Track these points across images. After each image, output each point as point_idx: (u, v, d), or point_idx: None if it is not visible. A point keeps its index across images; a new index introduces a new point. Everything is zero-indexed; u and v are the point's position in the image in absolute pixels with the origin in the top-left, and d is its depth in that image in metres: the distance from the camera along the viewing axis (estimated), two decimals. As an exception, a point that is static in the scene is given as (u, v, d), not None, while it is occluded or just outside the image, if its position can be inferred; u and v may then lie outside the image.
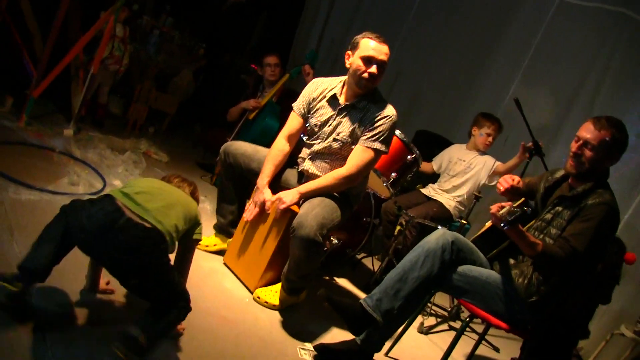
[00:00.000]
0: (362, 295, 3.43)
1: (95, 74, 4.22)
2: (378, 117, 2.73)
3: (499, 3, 5.18)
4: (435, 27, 5.66)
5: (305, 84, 3.32)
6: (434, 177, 4.33)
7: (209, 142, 4.98)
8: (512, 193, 2.76)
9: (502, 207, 2.23)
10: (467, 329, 3.64)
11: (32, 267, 1.78)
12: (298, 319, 2.80)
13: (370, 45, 2.68)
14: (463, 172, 4.06)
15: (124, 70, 4.78)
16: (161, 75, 5.33)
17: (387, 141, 2.77)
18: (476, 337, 2.95)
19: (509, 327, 2.50)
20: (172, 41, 5.34)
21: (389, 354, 2.84)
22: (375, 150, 2.73)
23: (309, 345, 2.57)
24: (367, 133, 2.73)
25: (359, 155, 2.74)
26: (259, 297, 2.75)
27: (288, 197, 2.69)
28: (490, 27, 5.21)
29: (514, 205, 2.25)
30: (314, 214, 2.56)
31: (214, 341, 2.29)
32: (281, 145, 2.89)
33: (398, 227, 3.72)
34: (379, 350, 2.60)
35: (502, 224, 2.18)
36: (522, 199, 2.71)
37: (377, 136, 2.72)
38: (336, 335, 2.80)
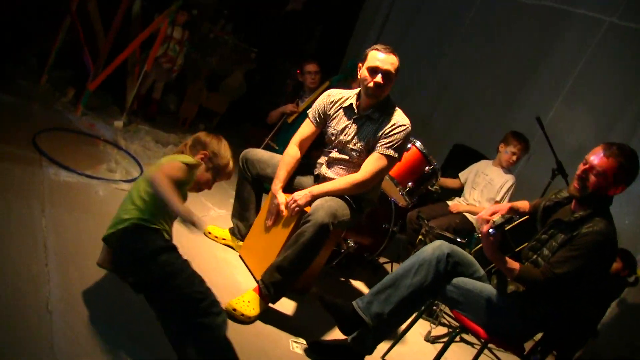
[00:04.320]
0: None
1: (149, 71, 4.54)
2: (394, 126, 2.85)
3: (547, 24, 5.14)
4: (482, 45, 5.69)
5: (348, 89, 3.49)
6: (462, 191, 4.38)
7: (251, 140, 5.19)
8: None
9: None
10: (474, 339, 3.67)
11: None
12: (297, 313, 2.93)
13: (376, 56, 2.81)
14: (484, 186, 4.11)
15: (178, 70, 5.09)
16: (213, 76, 5.61)
17: (400, 149, 2.87)
18: (478, 344, 2.98)
19: (500, 342, 2.53)
20: (226, 44, 5.61)
21: (385, 358, 2.91)
22: (389, 157, 2.84)
23: (301, 339, 2.69)
24: (382, 141, 2.85)
25: (373, 163, 2.85)
26: (234, 310, 2.57)
27: (301, 198, 2.82)
28: (536, 48, 5.19)
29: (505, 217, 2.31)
30: (328, 205, 2.71)
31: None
32: (293, 151, 3.04)
33: (420, 237, 3.79)
34: (370, 352, 2.68)
35: (489, 230, 2.26)
36: (520, 219, 2.74)
37: (391, 144, 2.84)
38: (331, 334, 2.89)
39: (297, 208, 2.82)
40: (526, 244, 2.67)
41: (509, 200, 3.98)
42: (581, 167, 2.43)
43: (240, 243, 3.28)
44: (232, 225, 3.34)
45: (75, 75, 4.66)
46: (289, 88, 4.99)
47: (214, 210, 3.73)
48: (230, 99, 5.71)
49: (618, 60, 4.59)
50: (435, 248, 2.60)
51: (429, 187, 3.84)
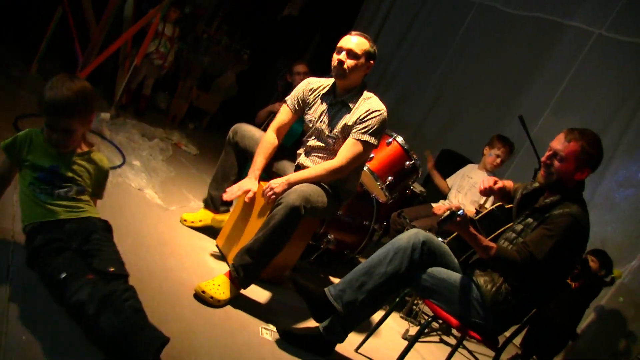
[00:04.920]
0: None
1: (138, 66, 4.56)
2: (368, 112, 2.84)
3: (538, 35, 5.23)
4: (475, 55, 5.82)
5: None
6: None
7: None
8: (490, 193, 2.79)
9: (448, 210, 2.29)
10: (455, 339, 3.61)
11: None
12: (270, 302, 2.90)
13: (343, 39, 2.88)
14: (468, 189, 4.13)
15: (169, 67, 5.10)
16: (206, 75, 5.63)
17: (376, 134, 2.86)
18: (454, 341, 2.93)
19: (463, 326, 2.49)
20: (219, 44, 5.64)
21: (359, 350, 2.87)
22: (364, 142, 2.83)
23: (272, 327, 2.65)
24: (357, 126, 2.84)
25: (349, 148, 2.84)
26: (203, 292, 2.53)
27: (278, 186, 2.79)
28: (527, 58, 5.30)
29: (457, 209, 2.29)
30: (301, 189, 2.69)
31: (174, 305, 2.41)
32: (271, 137, 3.03)
33: (402, 237, 3.76)
34: (341, 341, 2.64)
35: (438, 222, 2.23)
36: (499, 204, 2.72)
37: (366, 129, 2.83)
38: (303, 323, 2.85)
39: (273, 196, 2.80)
40: (501, 230, 2.65)
41: (493, 203, 3.96)
42: (546, 154, 2.46)
43: (217, 217, 3.25)
44: (206, 197, 3.30)
45: (65, 64, 4.66)
46: (278, 88, 4.99)
47: (194, 202, 3.70)
48: (221, 99, 5.72)
49: (605, 71, 4.65)
50: (410, 235, 2.58)
51: (414, 188, 3.82)
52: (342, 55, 2.83)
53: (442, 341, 3.56)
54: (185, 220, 3.26)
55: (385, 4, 6.75)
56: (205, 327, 2.39)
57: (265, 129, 4.56)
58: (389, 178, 3.43)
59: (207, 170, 4.49)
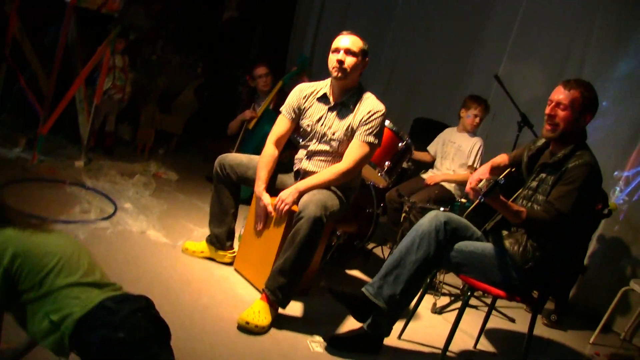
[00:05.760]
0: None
1: (99, 105, 4.42)
2: (370, 113, 2.85)
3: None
4: (422, 15, 5.83)
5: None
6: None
7: (216, 155, 5.11)
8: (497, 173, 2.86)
9: (480, 181, 2.32)
10: (480, 302, 3.73)
11: None
12: (306, 313, 2.92)
13: (338, 39, 2.87)
14: (454, 154, 4.20)
15: (128, 98, 4.97)
16: (164, 98, 5.51)
17: (379, 135, 2.90)
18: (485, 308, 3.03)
19: (509, 295, 2.58)
20: (170, 64, 5.52)
21: (402, 337, 2.93)
22: (370, 144, 2.85)
23: (318, 338, 2.67)
24: (362, 128, 2.84)
25: (356, 150, 2.85)
26: (247, 323, 2.53)
27: (288, 196, 2.79)
28: (475, 8, 5.30)
29: (491, 177, 2.32)
30: (316, 198, 2.70)
31: (227, 343, 2.42)
32: (271, 150, 3.01)
33: (403, 214, 3.81)
34: (387, 334, 2.70)
35: (479, 197, 2.26)
36: (507, 170, 2.79)
37: (371, 130, 2.84)
38: (345, 324, 2.89)
39: (285, 207, 2.80)
40: (517, 193, 2.72)
41: (481, 162, 4.05)
42: (547, 108, 2.53)
43: (220, 252, 3.21)
44: (210, 236, 3.24)
45: (26, 121, 4.49)
46: (242, 95, 4.93)
47: (197, 230, 3.65)
48: (184, 118, 5.62)
49: (552, 6, 4.74)
50: (431, 219, 2.63)
51: (404, 164, 3.86)
52: (341, 55, 2.81)
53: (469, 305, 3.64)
54: (187, 249, 3.23)
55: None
56: (263, 355, 2.41)
57: (241, 139, 4.61)
58: (387, 163, 3.46)
59: (193, 193, 4.43)
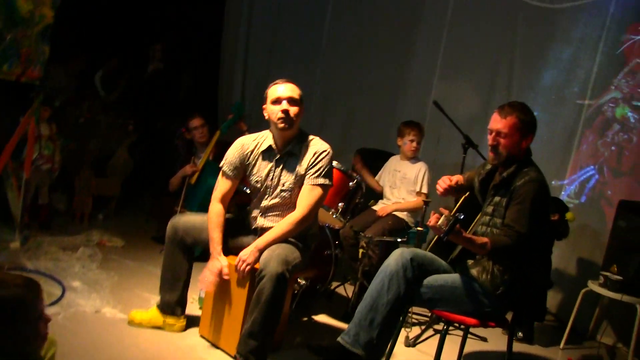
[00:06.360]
0: (342, 325, 3.47)
1: (29, 178, 4.20)
2: (316, 155, 2.84)
3: (403, 14, 5.43)
4: (349, 48, 5.91)
5: (240, 133, 3.38)
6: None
7: (160, 214, 4.96)
8: (455, 191, 2.88)
9: (439, 218, 2.32)
10: (452, 327, 3.74)
11: None
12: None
13: (275, 89, 2.85)
14: (401, 182, 4.23)
15: (59, 166, 4.74)
16: (97, 161, 5.32)
17: (329, 174, 2.88)
18: (461, 333, 3.03)
19: (483, 322, 2.60)
20: (100, 125, 5.35)
21: (382, 378, 2.88)
22: (321, 185, 2.83)
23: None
24: (310, 172, 2.82)
25: (308, 195, 2.82)
26: None
27: (249, 256, 2.72)
28: (401, 35, 5.43)
29: (450, 214, 2.33)
30: (277, 253, 2.64)
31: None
32: (218, 209, 2.94)
33: (361, 250, 3.80)
34: (369, 380, 2.65)
35: (442, 236, 2.28)
36: (463, 198, 2.83)
37: (319, 172, 2.82)
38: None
39: (248, 268, 2.72)
40: (475, 220, 2.76)
41: (428, 187, 4.10)
42: (489, 137, 2.60)
43: (170, 320, 3.04)
44: (160, 303, 3.07)
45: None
46: (180, 149, 4.82)
47: (154, 299, 3.46)
48: (121, 179, 5.43)
49: (474, 27, 4.93)
50: (397, 258, 2.63)
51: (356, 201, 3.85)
52: (285, 105, 2.79)
53: (436, 332, 3.64)
54: (133, 320, 3.03)
55: (243, 31, 6.69)
56: None
57: (184, 195, 4.47)
58: (340, 204, 3.45)
59: (143, 257, 4.26)
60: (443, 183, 2.81)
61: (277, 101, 2.82)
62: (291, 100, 2.81)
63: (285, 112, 2.78)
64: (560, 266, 4.26)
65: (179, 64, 6.31)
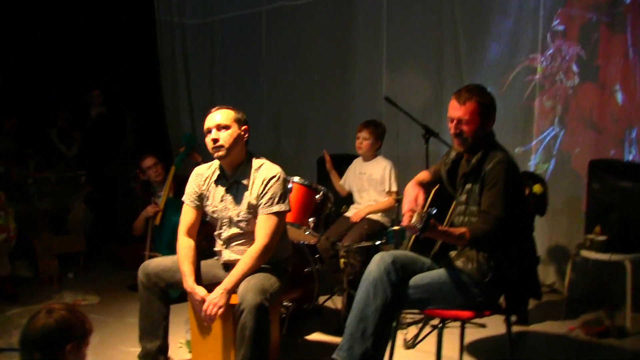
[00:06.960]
0: (336, 340, 3.37)
1: (-15, 254, 4.01)
2: (264, 183, 2.75)
3: (337, 15, 5.43)
4: (291, 57, 5.88)
5: (195, 164, 3.28)
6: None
7: (130, 261, 4.80)
8: (424, 188, 2.81)
9: (412, 216, 2.25)
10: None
11: None
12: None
13: (206, 120, 2.79)
14: (368, 184, 4.15)
15: (15, 234, 4.55)
16: (55, 219, 5.14)
17: (284, 199, 2.79)
18: (458, 324, 2.99)
19: (478, 313, 2.56)
20: (50, 181, 5.17)
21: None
22: (276, 213, 2.75)
23: None
24: (262, 201, 2.74)
25: (264, 225, 2.74)
26: None
27: (220, 299, 2.63)
28: (338, 37, 5.45)
29: (422, 211, 2.27)
30: (252, 284, 2.57)
31: None
32: (185, 242, 2.86)
33: (342, 260, 3.71)
34: (370, 391, 2.56)
35: (417, 234, 2.22)
36: (434, 190, 2.77)
37: (271, 200, 2.74)
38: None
39: (220, 310, 2.63)
40: (450, 211, 2.71)
41: (397, 184, 4.03)
42: (451, 126, 2.54)
43: None
44: (141, 354, 2.94)
45: None
46: (137, 191, 4.69)
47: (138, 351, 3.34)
48: (84, 233, 5.26)
49: (410, 12, 4.94)
50: (378, 263, 2.57)
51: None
52: (214, 134, 2.72)
53: (433, 328, 3.58)
54: None
55: (180, 63, 6.58)
56: None
57: (151, 237, 4.33)
58: (310, 220, 3.37)
59: (122, 310, 4.10)
60: (408, 214, 2.46)
61: (207, 132, 2.76)
62: (220, 127, 2.73)
63: (215, 140, 2.72)
64: (545, 238, 4.25)
65: (121, 105, 6.17)
